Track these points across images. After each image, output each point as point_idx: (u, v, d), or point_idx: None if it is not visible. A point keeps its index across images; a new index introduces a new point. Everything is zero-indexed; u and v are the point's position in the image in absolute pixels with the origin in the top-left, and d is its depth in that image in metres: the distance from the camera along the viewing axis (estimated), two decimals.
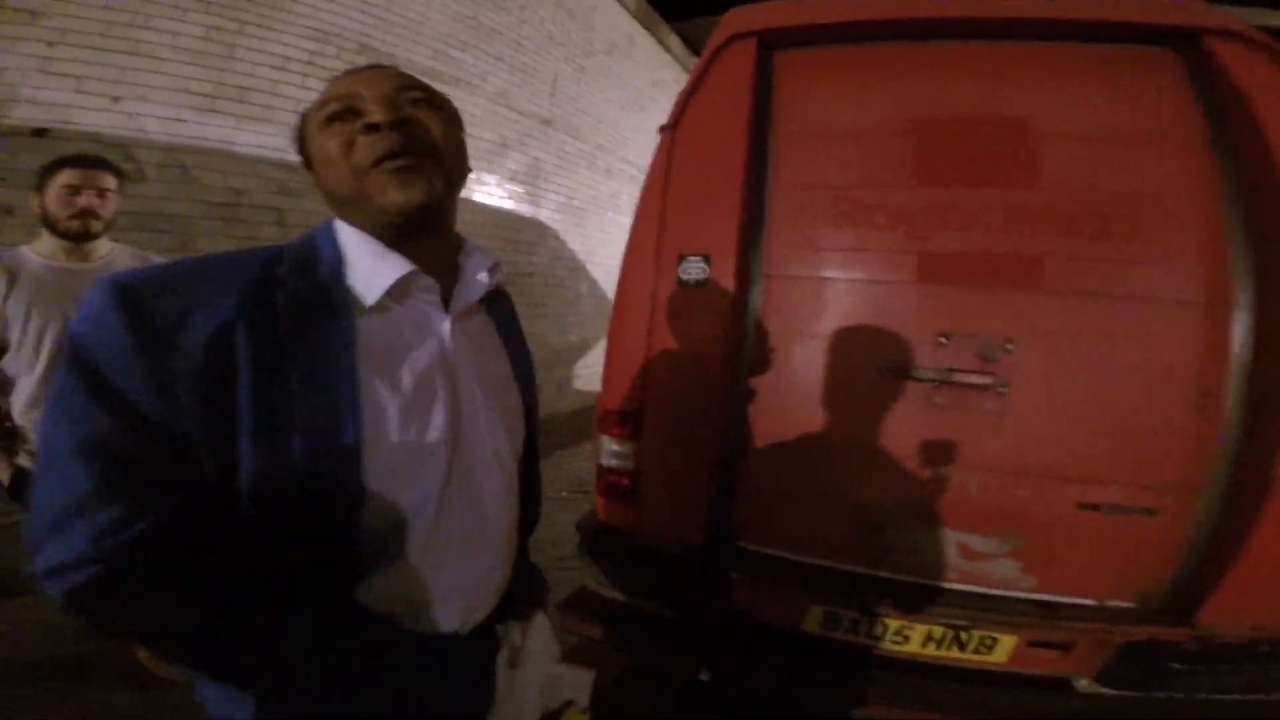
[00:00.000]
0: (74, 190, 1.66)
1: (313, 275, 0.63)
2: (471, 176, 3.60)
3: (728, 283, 1.59)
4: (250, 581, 0.58)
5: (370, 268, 0.65)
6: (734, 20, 1.71)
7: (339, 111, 0.65)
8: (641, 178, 1.77)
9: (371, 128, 0.63)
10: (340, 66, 3.40)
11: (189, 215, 2.93)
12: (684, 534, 1.66)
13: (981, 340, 1.50)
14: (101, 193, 1.70)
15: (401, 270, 0.65)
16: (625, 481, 1.74)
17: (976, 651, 1.49)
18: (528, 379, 0.86)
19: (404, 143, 0.63)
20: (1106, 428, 1.43)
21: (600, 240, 5.86)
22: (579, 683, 0.88)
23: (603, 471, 1.79)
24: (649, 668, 2.09)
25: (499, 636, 0.80)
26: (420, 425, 0.65)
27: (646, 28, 6.51)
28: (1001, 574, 1.52)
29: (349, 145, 0.64)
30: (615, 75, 6.00)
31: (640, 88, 6.49)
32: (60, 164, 1.67)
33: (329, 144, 0.65)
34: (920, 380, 1.53)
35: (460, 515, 0.69)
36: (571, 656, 2.16)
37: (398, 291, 0.66)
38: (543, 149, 5.01)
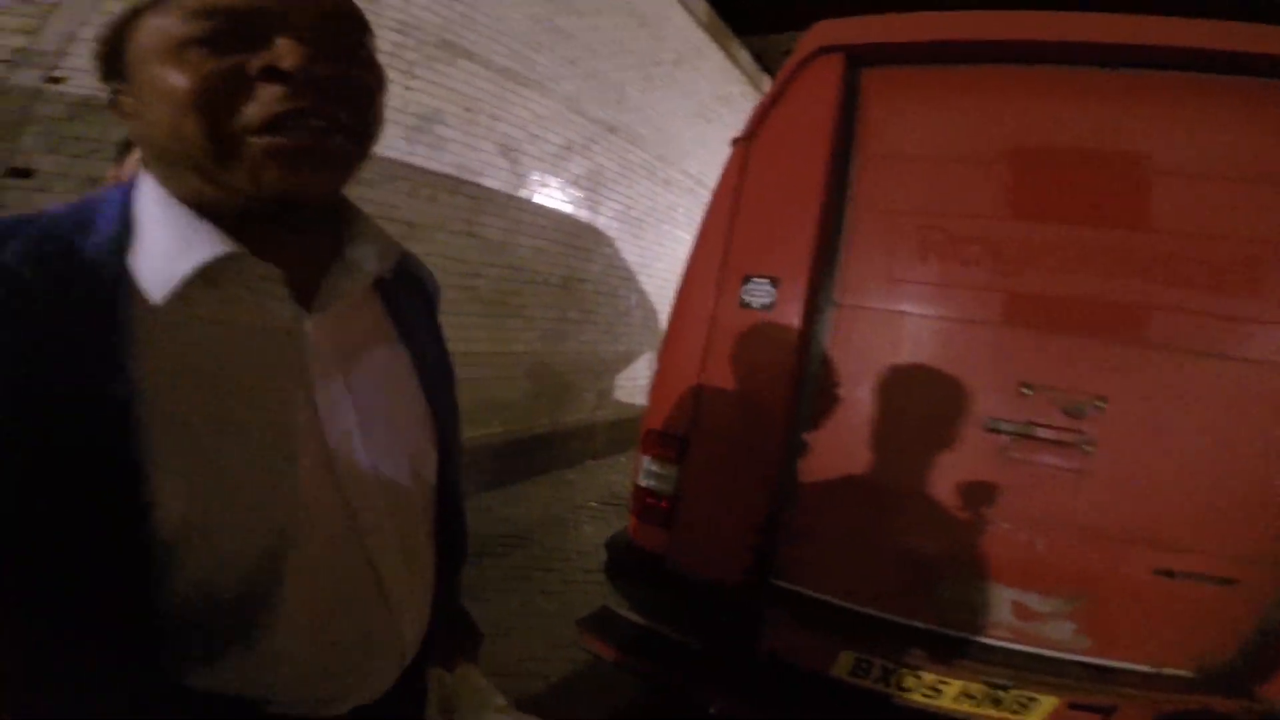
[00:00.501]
0: None
1: (66, 259, 0.43)
2: (535, 178, 3.55)
3: (795, 309, 1.51)
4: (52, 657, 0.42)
5: (166, 246, 0.45)
6: (822, 32, 1.63)
7: (218, 31, 0.42)
8: (701, 191, 1.71)
9: (275, 75, 0.42)
10: (418, 60, 3.47)
11: None
12: (720, 567, 1.58)
13: (1069, 396, 1.39)
14: None
15: (209, 253, 0.45)
16: (663, 505, 1.67)
17: (1013, 711, 1.41)
18: (440, 383, 0.66)
19: (320, 109, 0.44)
20: (1196, 494, 1.34)
21: (656, 252, 5.81)
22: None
23: (640, 491, 1.72)
24: (658, 700, 2.04)
25: (427, 688, 0.67)
26: (255, 463, 0.47)
27: (716, 40, 6.46)
28: (1056, 635, 1.43)
29: (224, 89, 0.42)
30: (681, 86, 5.96)
31: (705, 100, 6.44)
32: None
33: (178, 78, 0.42)
34: (997, 431, 1.42)
35: (331, 571, 0.52)
36: (584, 676, 2.15)
37: (218, 281, 0.46)
38: (606, 156, 5.01)
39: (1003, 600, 1.45)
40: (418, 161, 3.54)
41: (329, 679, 0.53)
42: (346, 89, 0.46)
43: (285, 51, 0.42)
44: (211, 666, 0.47)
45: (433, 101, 3.58)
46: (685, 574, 1.62)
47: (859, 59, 1.61)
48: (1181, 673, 1.39)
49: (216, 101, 0.42)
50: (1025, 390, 1.41)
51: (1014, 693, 1.39)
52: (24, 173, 2.35)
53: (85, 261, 0.43)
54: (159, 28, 0.43)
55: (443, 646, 0.70)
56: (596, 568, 1.81)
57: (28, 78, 2.31)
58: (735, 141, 1.67)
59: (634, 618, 1.70)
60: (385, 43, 3.32)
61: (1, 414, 0.39)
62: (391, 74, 3.31)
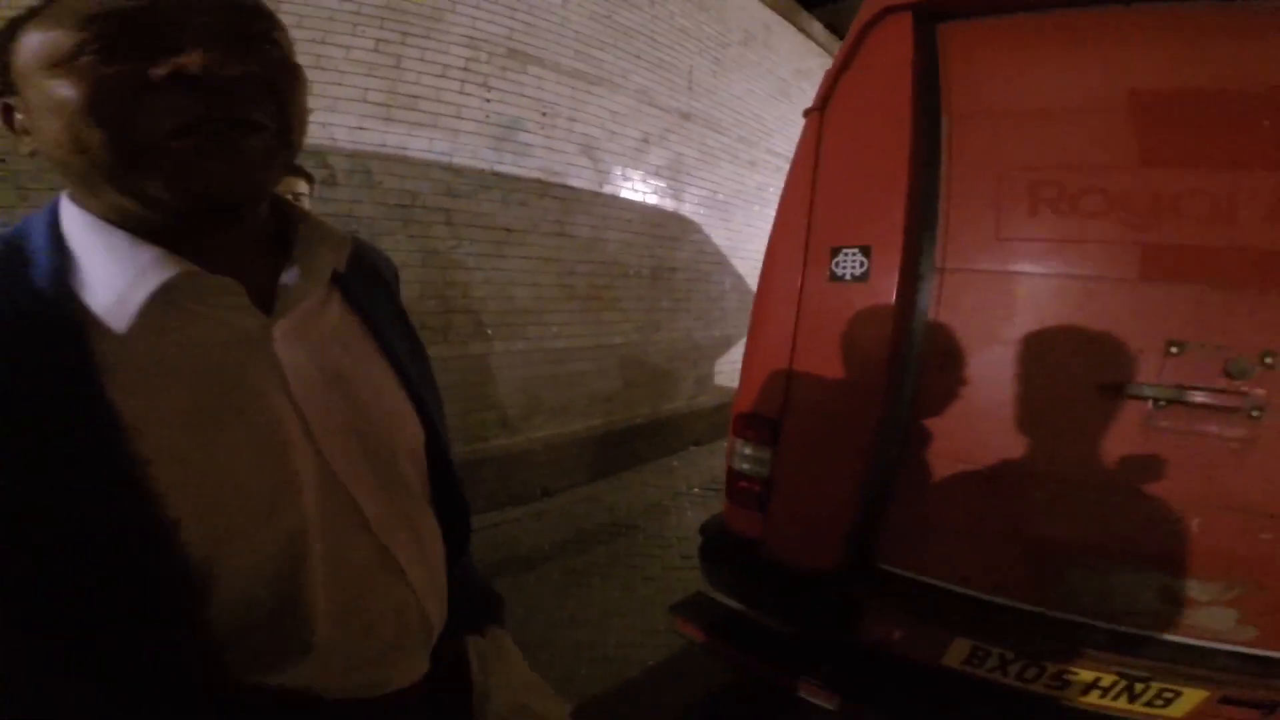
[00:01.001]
0: None
1: (16, 294, 0.41)
2: (617, 173, 3.55)
3: (892, 278, 1.42)
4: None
5: (111, 274, 0.44)
6: None
7: (110, 36, 0.40)
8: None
9: (184, 80, 0.40)
10: (491, 72, 3.61)
11: (373, 216, 3.22)
12: (818, 552, 1.53)
13: (1229, 352, 1.21)
14: (296, 196, 1.91)
15: (163, 275, 0.44)
16: (756, 488, 1.64)
17: (1150, 704, 1.28)
18: (413, 364, 0.65)
19: (232, 110, 0.42)
20: None
21: (746, 235, 5.71)
22: (553, 714, 0.73)
23: (733, 475, 1.70)
24: (749, 687, 2.03)
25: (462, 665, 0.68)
26: (255, 475, 0.47)
27: (784, 16, 6.22)
28: (1213, 623, 1.29)
29: (125, 96, 0.40)
30: (754, 66, 5.78)
31: (784, 77, 6.21)
32: None
33: (75, 91, 0.40)
34: (1139, 398, 1.26)
35: (351, 562, 0.53)
36: (678, 660, 2.17)
37: (176, 300, 0.45)
38: (683, 144, 4.96)
39: (1148, 586, 1.32)
40: (505, 169, 3.69)
41: (372, 662, 0.55)
42: (259, 87, 0.44)
43: (192, 56, 0.40)
44: (267, 665, 0.48)
45: (511, 110, 3.71)
46: (780, 559, 1.59)
47: (929, 15, 1.50)
48: None
49: (120, 110, 0.40)
50: (1174, 349, 1.25)
51: (1155, 685, 1.26)
52: None
53: (33, 295, 0.41)
54: (47, 39, 0.41)
55: (469, 616, 0.71)
56: (695, 553, 1.81)
57: None
58: (807, 113, 1.60)
59: (728, 603, 1.69)
60: (457, 58, 3.47)
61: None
62: (470, 88, 3.49)
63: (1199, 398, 1.22)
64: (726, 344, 5.65)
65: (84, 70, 0.40)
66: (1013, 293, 1.38)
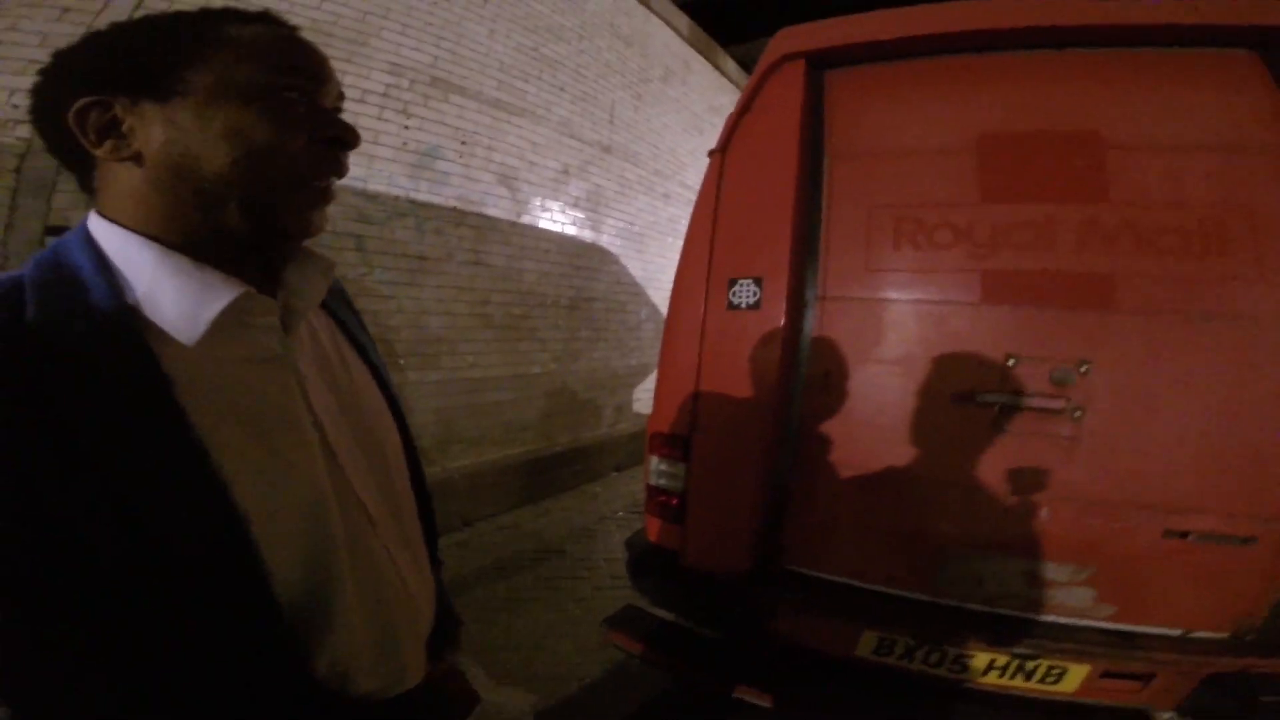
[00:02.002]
0: None
1: (84, 315, 0.44)
2: (536, 203, 3.61)
3: (780, 306, 1.57)
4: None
5: (182, 292, 0.48)
6: (783, 41, 1.70)
7: (296, 88, 0.49)
8: None
9: (345, 144, 0.52)
10: (413, 99, 3.61)
11: None
12: (731, 557, 1.64)
13: (1053, 363, 1.43)
14: None
15: (229, 295, 0.49)
16: (674, 502, 1.73)
17: (1043, 681, 1.42)
18: (384, 374, 0.72)
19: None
20: (1195, 454, 1.35)
21: (660, 265, 5.91)
22: (522, 705, 0.80)
23: (652, 491, 1.79)
24: (687, 692, 2.09)
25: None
26: (301, 477, 0.52)
27: (701, 53, 6.59)
28: (1074, 602, 1.44)
29: (306, 141, 0.50)
30: (672, 101, 6.08)
31: (697, 113, 6.56)
32: None
33: (275, 125, 0.48)
34: (986, 405, 1.46)
35: (367, 562, 0.58)
36: (615, 675, 2.21)
37: (223, 321, 0.49)
38: (603, 176, 5.12)
39: (1016, 571, 1.46)
40: (421, 197, 3.68)
41: (395, 653, 0.60)
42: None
43: (349, 128, 0.52)
44: (316, 644, 0.52)
45: (430, 138, 3.72)
46: (698, 566, 1.68)
47: (820, 62, 1.69)
48: (1217, 635, 1.37)
49: (296, 150, 0.49)
50: (1010, 362, 1.46)
51: (1044, 663, 1.39)
52: (60, 230, 2.42)
53: (96, 314, 0.44)
54: (246, 73, 0.48)
55: (432, 638, 0.73)
56: (624, 573, 1.87)
57: None
58: (711, 153, 1.75)
59: (656, 612, 1.76)
60: (378, 84, 3.46)
61: (100, 463, 0.41)
62: (388, 114, 3.49)
63: (1031, 403, 1.43)
64: (644, 372, 5.77)
65: (279, 106, 0.49)
66: (881, 317, 1.56)
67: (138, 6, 2.63)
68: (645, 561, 1.81)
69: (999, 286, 1.48)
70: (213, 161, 0.47)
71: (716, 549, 1.67)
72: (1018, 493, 1.46)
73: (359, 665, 0.56)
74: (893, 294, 1.56)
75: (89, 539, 0.40)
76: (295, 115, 0.49)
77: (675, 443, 1.71)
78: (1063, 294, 1.43)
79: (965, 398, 1.48)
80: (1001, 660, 1.43)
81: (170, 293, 0.47)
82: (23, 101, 2.36)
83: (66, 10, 2.50)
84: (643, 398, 5.74)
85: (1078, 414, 1.41)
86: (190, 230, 0.49)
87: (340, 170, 0.52)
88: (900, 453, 1.54)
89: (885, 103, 1.65)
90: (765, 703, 1.51)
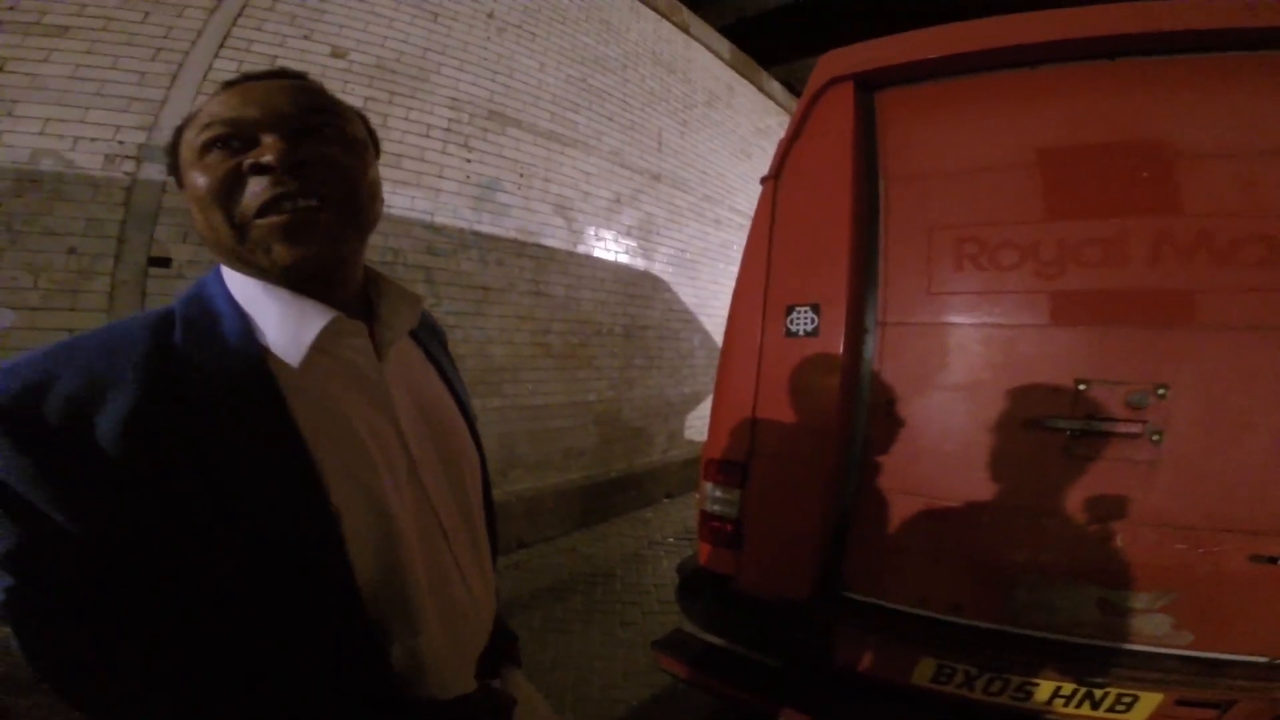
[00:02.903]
0: None
1: (216, 340, 0.52)
2: (591, 233, 3.65)
3: (839, 332, 1.57)
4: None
5: (284, 321, 0.55)
6: (830, 64, 1.71)
7: (221, 138, 0.52)
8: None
9: (260, 169, 0.51)
10: (473, 133, 3.79)
11: None
12: (788, 584, 1.62)
13: (1129, 386, 1.38)
14: None
15: (323, 320, 0.55)
16: (728, 528, 1.73)
17: (1112, 710, 1.36)
18: (468, 404, 0.79)
19: (300, 190, 0.52)
20: None
21: (713, 291, 5.91)
22: None
23: (706, 517, 1.79)
24: (733, 714, 2.05)
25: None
26: (384, 485, 0.57)
27: (744, 76, 6.63)
28: (1151, 630, 1.39)
29: (230, 185, 0.52)
30: (718, 125, 6.13)
31: (745, 136, 6.59)
32: None
33: (201, 180, 0.52)
34: (1056, 430, 1.42)
35: (436, 566, 0.62)
36: (661, 699, 2.19)
37: (322, 343, 0.56)
38: (653, 204, 5.19)
39: (1087, 599, 1.41)
40: (484, 229, 3.84)
41: (459, 660, 0.65)
42: (325, 169, 0.54)
43: (265, 148, 0.52)
44: (393, 639, 0.57)
45: (491, 170, 3.89)
46: (753, 593, 1.67)
47: (869, 84, 1.69)
48: None
49: (228, 196, 0.51)
50: (1081, 386, 1.41)
51: (1114, 691, 1.34)
52: (163, 261, 2.67)
53: (229, 340, 0.53)
54: (188, 140, 0.54)
55: (487, 653, 0.76)
56: (673, 599, 1.88)
57: (153, 171, 2.63)
58: (764, 180, 1.77)
59: (706, 637, 1.75)
60: (441, 119, 3.64)
61: (217, 463, 0.48)
62: (451, 148, 3.68)
63: (1105, 427, 1.38)
64: (696, 400, 5.75)
65: (205, 164, 0.52)
66: (944, 342, 1.54)
67: (219, 51, 2.87)
68: (696, 586, 1.81)
69: (1068, 307, 1.44)
70: (198, 224, 0.55)
71: (773, 575, 1.66)
72: (1093, 519, 1.41)
73: (431, 662, 0.60)
74: (956, 318, 1.53)
75: (212, 526, 0.47)
76: (216, 163, 0.52)
77: (731, 469, 1.72)
78: (1136, 313, 1.38)
79: (1035, 423, 1.44)
80: (1067, 689, 1.37)
81: (276, 320, 0.55)
82: (129, 138, 2.60)
83: (160, 50, 2.74)
84: (695, 425, 5.73)
85: (1156, 437, 1.36)
86: (259, 270, 0.55)
87: (265, 200, 0.51)
88: (968, 480, 1.51)
89: (939, 122, 1.63)
90: None
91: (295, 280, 0.56)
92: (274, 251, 0.52)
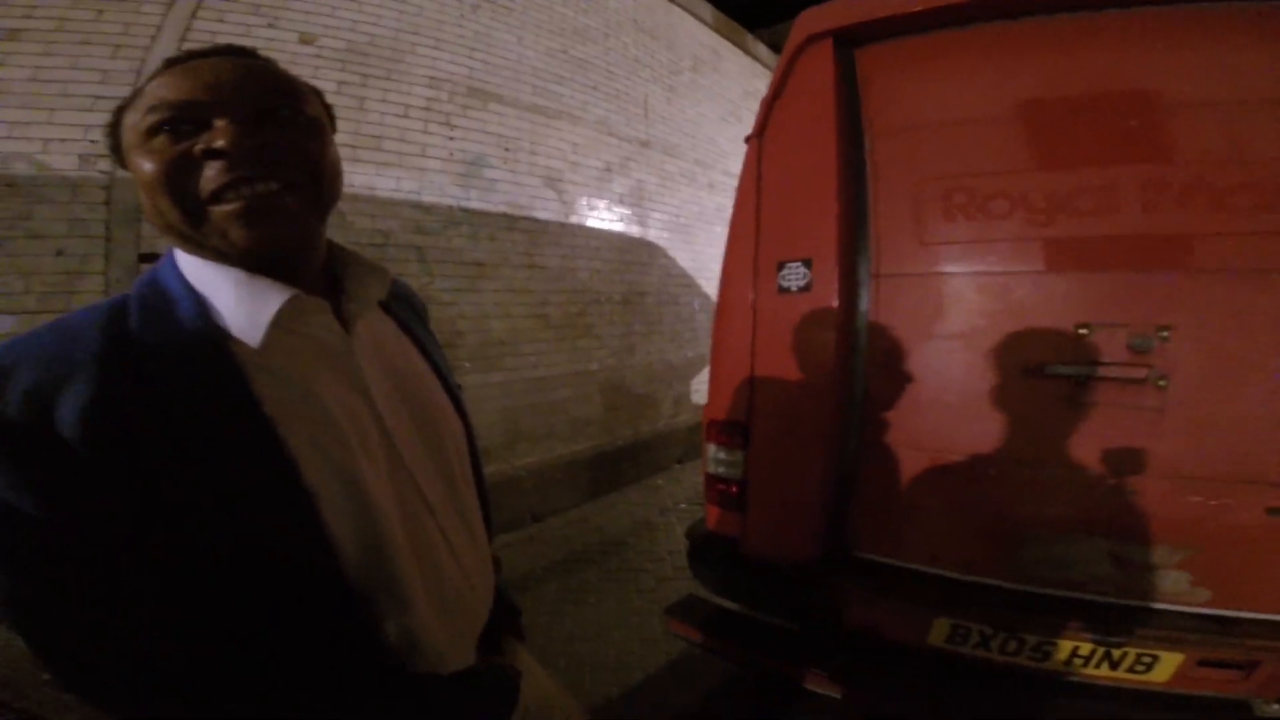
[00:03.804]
0: None
1: (174, 325, 0.52)
2: (582, 203, 3.62)
3: (832, 286, 1.55)
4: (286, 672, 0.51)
5: (239, 302, 0.54)
6: (806, 22, 1.67)
7: (168, 120, 0.50)
8: None
9: (213, 154, 0.50)
10: (454, 110, 3.72)
11: None
12: (795, 545, 1.63)
13: (1130, 330, 1.36)
14: None
15: (280, 298, 0.54)
16: (733, 490, 1.74)
17: (1132, 670, 1.34)
18: (449, 374, 0.77)
19: (257, 174, 0.51)
20: None
21: (710, 255, 5.86)
22: (570, 707, 0.81)
23: (710, 480, 1.80)
24: (750, 680, 2.09)
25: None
26: (358, 460, 0.56)
27: (729, 39, 6.50)
28: (1168, 587, 1.36)
29: (180, 170, 0.50)
30: (705, 90, 6.03)
31: (733, 100, 6.48)
32: None
33: (148, 165, 0.50)
34: (1059, 377, 1.40)
35: (423, 541, 0.62)
36: (678, 664, 2.24)
37: (284, 321, 0.55)
38: (644, 170, 5.13)
39: (1103, 554, 1.39)
40: (473, 205, 3.80)
41: (450, 634, 0.64)
42: (281, 152, 0.53)
43: (218, 132, 0.50)
44: (381, 623, 0.57)
45: (475, 147, 3.83)
46: (760, 555, 1.68)
47: (848, 40, 1.65)
48: None
49: (178, 181, 0.50)
50: (1082, 331, 1.39)
51: (1133, 652, 1.32)
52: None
53: (185, 324, 0.52)
54: (130, 123, 0.52)
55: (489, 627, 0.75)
56: (686, 565, 1.89)
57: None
58: (748, 139, 1.74)
59: (718, 601, 1.77)
60: (419, 99, 3.58)
61: (183, 448, 0.47)
62: (433, 127, 3.62)
63: (1109, 373, 1.35)
64: (700, 363, 5.76)
65: (151, 148, 0.51)
66: (940, 292, 1.52)
67: (179, 46, 2.80)
68: (705, 551, 1.82)
69: (1063, 253, 1.41)
70: (146, 208, 0.53)
71: (779, 536, 1.67)
72: (1101, 470, 1.39)
73: (426, 639, 0.60)
74: (950, 267, 1.51)
75: (184, 509, 0.47)
76: (164, 147, 0.50)
77: (732, 430, 1.72)
78: (1134, 257, 1.36)
79: (1036, 371, 1.42)
80: (1085, 649, 1.36)
81: (233, 302, 0.54)
82: (99, 137, 2.57)
83: (119, 47, 2.69)
84: (700, 389, 5.74)
85: (1162, 382, 1.33)
86: (216, 253, 0.54)
87: (221, 184, 0.50)
88: (970, 432, 1.50)
89: (922, 75, 1.60)
90: (834, 693, 1.50)
91: (255, 263, 0.54)
92: (231, 236, 0.51)
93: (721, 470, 1.76)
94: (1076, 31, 1.45)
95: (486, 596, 0.72)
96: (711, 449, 1.78)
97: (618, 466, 4.58)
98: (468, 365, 3.70)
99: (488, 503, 0.80)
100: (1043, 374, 1.42)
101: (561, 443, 4.30)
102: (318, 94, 0.62)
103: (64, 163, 2.53)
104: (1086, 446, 1.40)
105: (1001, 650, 1.44)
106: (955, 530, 1.54)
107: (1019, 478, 1.46)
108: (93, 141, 2.57)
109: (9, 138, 2.45)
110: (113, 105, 0.56)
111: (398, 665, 0.58)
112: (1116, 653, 1.34)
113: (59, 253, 2.50)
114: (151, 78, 0.53)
